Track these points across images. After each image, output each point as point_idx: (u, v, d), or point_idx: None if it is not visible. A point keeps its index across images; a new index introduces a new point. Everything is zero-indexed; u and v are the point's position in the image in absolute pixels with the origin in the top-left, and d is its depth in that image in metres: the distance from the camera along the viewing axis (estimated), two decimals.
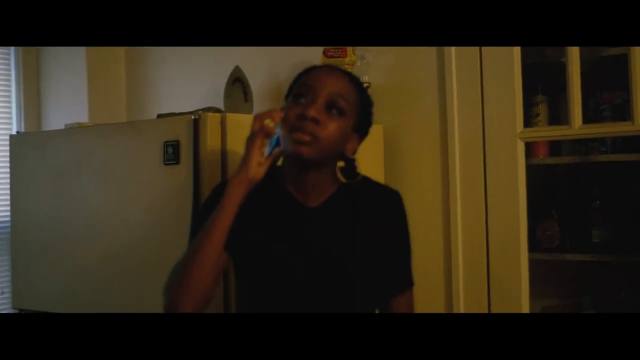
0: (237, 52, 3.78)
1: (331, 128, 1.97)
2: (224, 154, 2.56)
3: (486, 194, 3.10)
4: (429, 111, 3.27)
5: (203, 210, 2.11)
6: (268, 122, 1.95)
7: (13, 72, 4.42)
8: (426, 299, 3.22)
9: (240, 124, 2.60)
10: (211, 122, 2.56)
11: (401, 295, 2.18)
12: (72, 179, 3.03)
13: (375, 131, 3.28)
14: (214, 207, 2.01)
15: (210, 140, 2.54)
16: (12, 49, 4.42)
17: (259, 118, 1.97)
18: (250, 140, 1.98)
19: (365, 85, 3.25)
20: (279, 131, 2.00)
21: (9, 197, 3.39)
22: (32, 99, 4.46)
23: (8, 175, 3.38)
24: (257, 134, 1.96)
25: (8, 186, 3.38)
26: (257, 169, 1.97)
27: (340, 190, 2.11)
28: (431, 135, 3.26)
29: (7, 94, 4.40)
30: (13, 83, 4.42)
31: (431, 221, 3.26)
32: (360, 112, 2.08)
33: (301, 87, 2.01)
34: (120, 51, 4.46)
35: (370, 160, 3.23)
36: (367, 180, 2.17)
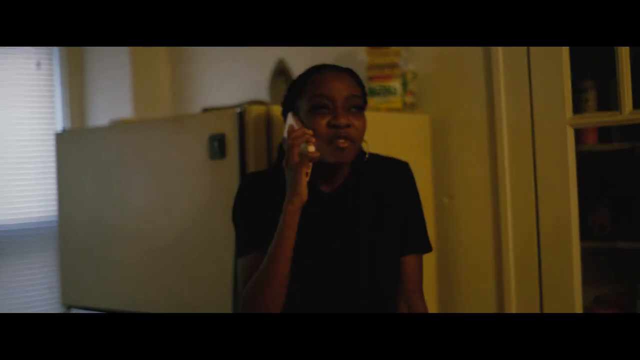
0: None
1: (359, 126, 2.09)
2: (269, 146, 2.54)
3: (536, 182, 3.07)
4: (476, 99, 3.24)
5: (243, 216, 2.19)
6: (311, 149, 2.01)
7: (57, 69, 4.44)
8: (478, 288, 3.21)
9: None
10: (256, 115, 2.54)
11: (409, 256, 2.22)
12: (118, 176, 3.03)
13: (422, 121, 3.25)
14: (251, 212, 2.15)
15: (256, 134, 2.53)
16: (57, 48, 4.44)
17: (295, 144, 2.01)
18: (297, 169, 2.01)
19: (411, 75, 3.23)
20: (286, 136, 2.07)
21: (56, 195, 3.39)
22: (77, 95, 4.48)
23: (55, 173, 3.39)
24: (303, 162, 2.01)
25: (55, 183, 3.39)
26: (306, 190, 2.03)
27: (352, 170, 2.20)
28: (479, 124, 3.22)
29: (51, 91, 4.42)
30: (58, 80, 4.44)
31: (481, 210, 3.23)
32: (364, 97, 2.17)
33: (316, 98, 2.07)
34: (163, 47, 4.46)
35: (417, 150, 3.20)
36: (375, 156, 2.25)
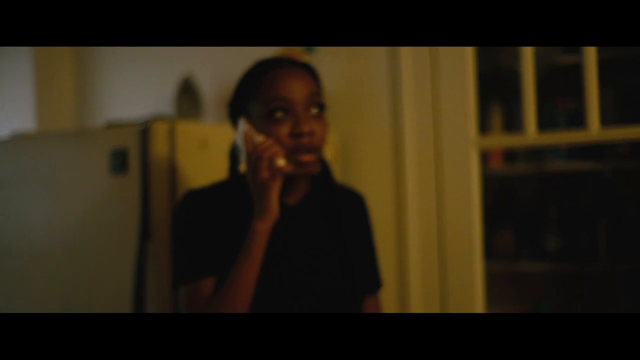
0: (186, 56, 3.75)
1: (322, 131, 1.91)
2: (172, 162, 2.50)
3: (440, 203, 3.08)
4: (382, 118, 3.24)
5: (191, 238, 1.97)
6: (281, 163, 1.82)
7: None
8: (382, 310, 3.20)
9: (190, 133, 2.56)
10: (160, 131, 2.50)
11: (374, 295, 2.17)
12: (17, 190, 2.96)
13: (331, 139, 3.24)
14: (201, 232, 1.94)
15: (159, 150, 2.48)
16: None
17: (263, 156, 1.82)
18: (268, 184, 1.82)
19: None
20: (240, 144, 1.92)
21: None
22: None
23: None
24: (275, 177, 1.83)
25: None
26: (277, 206, 1.86)
27: (314, 187, 2.07)
28: (385, 143, 3.22)
29: None
30: None
31: (385, 230, 3.23)
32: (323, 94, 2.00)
33: (272, 102, 1.88)
34: (68, 55, 4.40)
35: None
36: (333, 180, 2.12)
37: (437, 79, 3.09)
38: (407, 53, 3.11)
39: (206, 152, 2.57)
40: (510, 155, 3.53)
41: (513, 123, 3.41)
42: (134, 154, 2.52)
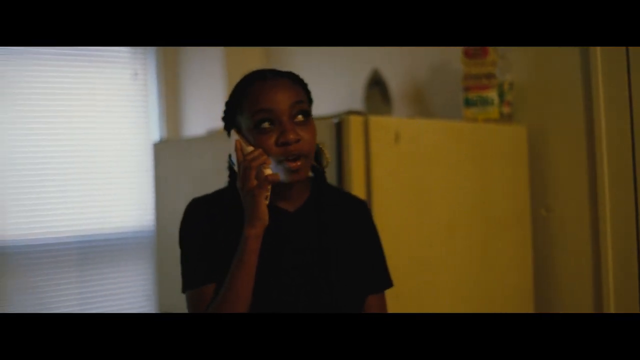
0: (374, 54, 3.77)
1: (309, 137, 1.96)
2: (367, 156, 2.53)
3: (636, 195, 2.99)
4: (574, 110, 3.18)
5: (193, 245, 2.07)
6: (268, 172, 1.89)
7: (154, 79, 4.51)
8: (576, 304, 3.15)
9: (383, 126, 2.58)
10: (354, 125, 2.54)
11: (377, 295, 2.16)
12: (215, 185, 3.05)
13: (519, 132, 3.21)
14: (203, 239, 2.03)
15: (354, 143, 2.52)
16: (153, 58, 4.52)
17: (251, 166, 1.89)
18: (256, 193, 1.89)
19: (508, 85, 3.20)
20: (234, 160, 2.00)
21: (153, 204, 3.44)
22: (173, 105, 4.54)
23: (152, 182, 3.44)
24: (263, 186, 1.89)
25: (152, 193, 3.44)
26: (267, 213, 1.92)
27: (313, 193, 2.10)
28: (577, 134, 3.16)
29: (147, 101, 4.50)
30: (154, 90, 4.51)
31: (579, 222, 3.17)
32: (309, 100, 2.08)
33: (257, 115, 1.94)
34: (258, 54, 4.50)
35: (514, 161, 3.16)
36: (334, 187, 2.20)
37: (631, 69, 3.00)
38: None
39: (399, 146, 2.59)
40: None
41: None
42: (329, 148, 2.57)
